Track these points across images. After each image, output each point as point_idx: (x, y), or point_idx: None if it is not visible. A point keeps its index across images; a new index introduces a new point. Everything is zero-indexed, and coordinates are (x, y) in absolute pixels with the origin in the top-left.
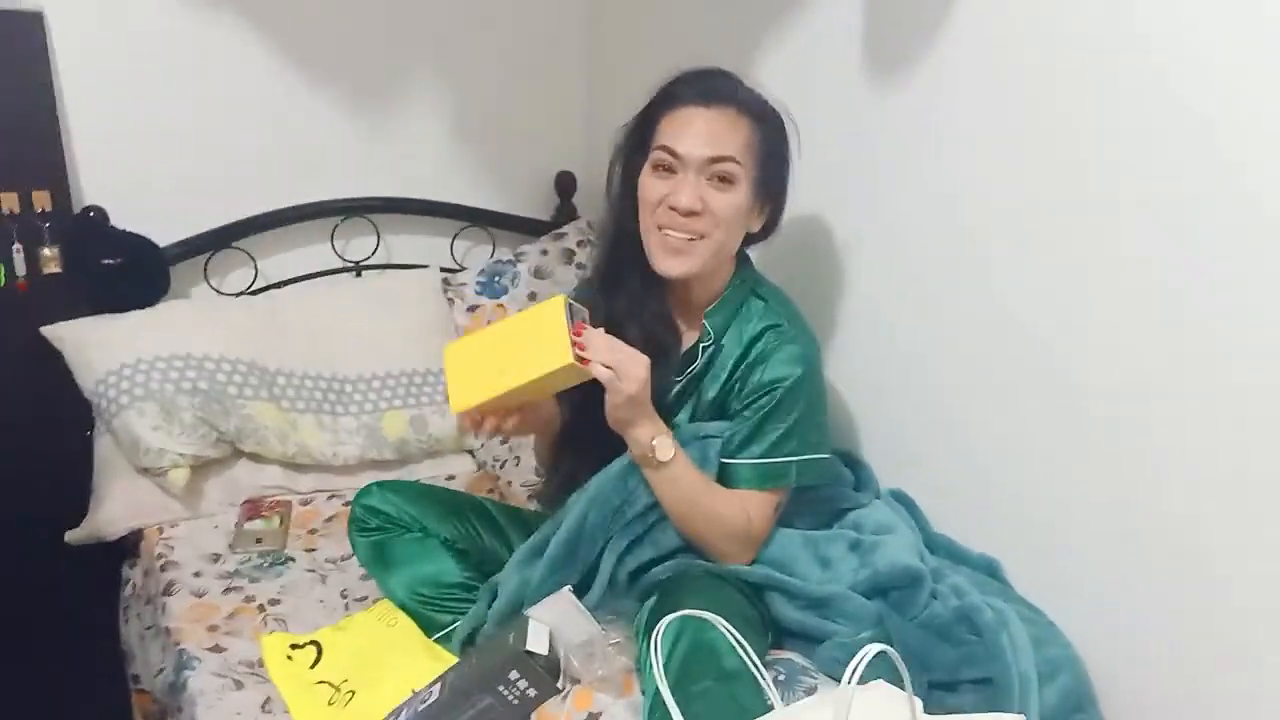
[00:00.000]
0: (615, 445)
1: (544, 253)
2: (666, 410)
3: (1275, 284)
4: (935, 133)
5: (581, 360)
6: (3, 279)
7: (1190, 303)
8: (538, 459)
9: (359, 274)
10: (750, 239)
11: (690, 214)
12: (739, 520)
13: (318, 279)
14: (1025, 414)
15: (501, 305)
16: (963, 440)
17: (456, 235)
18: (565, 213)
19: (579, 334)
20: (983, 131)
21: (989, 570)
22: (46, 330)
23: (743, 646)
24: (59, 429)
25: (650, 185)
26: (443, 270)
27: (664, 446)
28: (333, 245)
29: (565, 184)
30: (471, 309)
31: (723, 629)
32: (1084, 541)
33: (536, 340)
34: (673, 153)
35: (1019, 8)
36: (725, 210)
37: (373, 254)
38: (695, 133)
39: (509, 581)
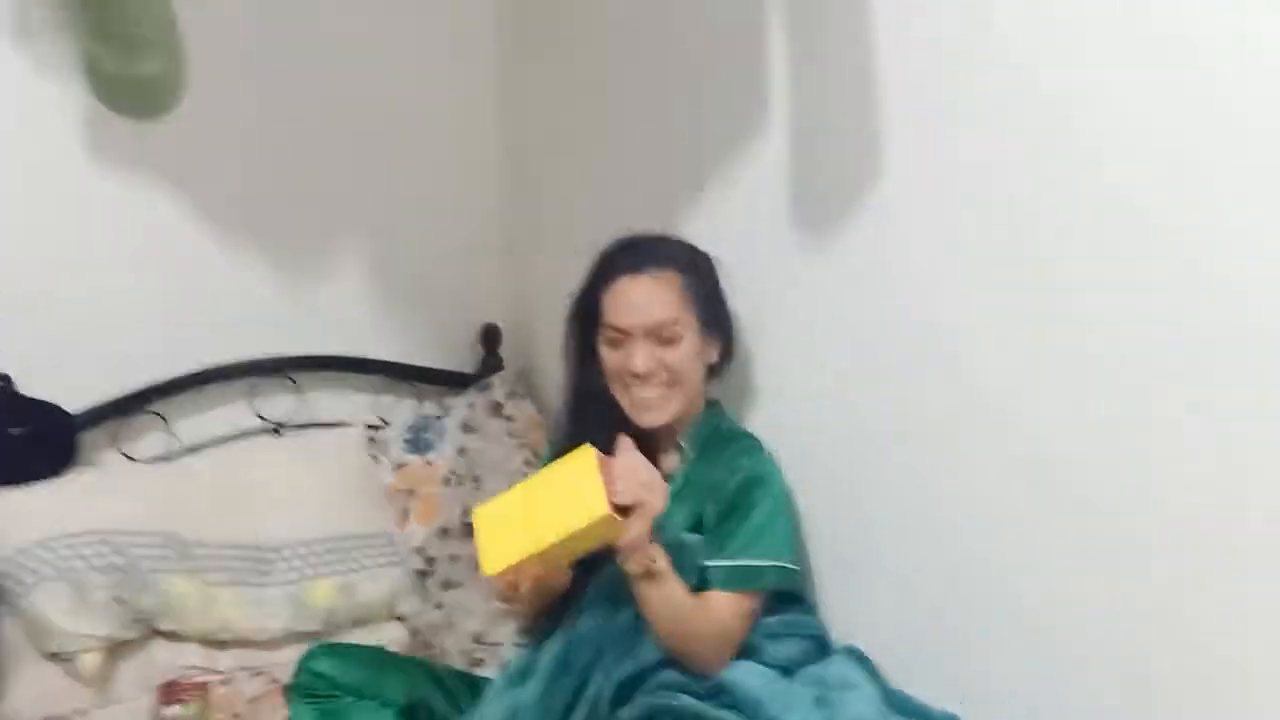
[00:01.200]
0: (594, 564)
1: (470, 406)
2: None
3: None
4: (878, 274)
5: (620, 510)
6: None
7: (1193, 431)
8: (524, 610)
9: (279, 434)
10: (714, 369)
11: (647, 375)
12: (719, 626)
13: (237, 441)
14: (988, 560)
15: (430, 462)
16: (919, 589)
17: (379, 392)
18: (490, 365)
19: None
20: (929, 267)
21: None
22: None
23: None
24: None
25: (609, 357)
26: (367, 427)
27: (662, 556)
28: (251, 405)
29: (490, 336)
30: (399, 466)
31: None
32: (1051, 692)
33: (569, 494)
34: (617, 328)
35: (955, 141)
36: (680, 362)
37: (293, 414)
38: (631, 304)
39: (495, 708)
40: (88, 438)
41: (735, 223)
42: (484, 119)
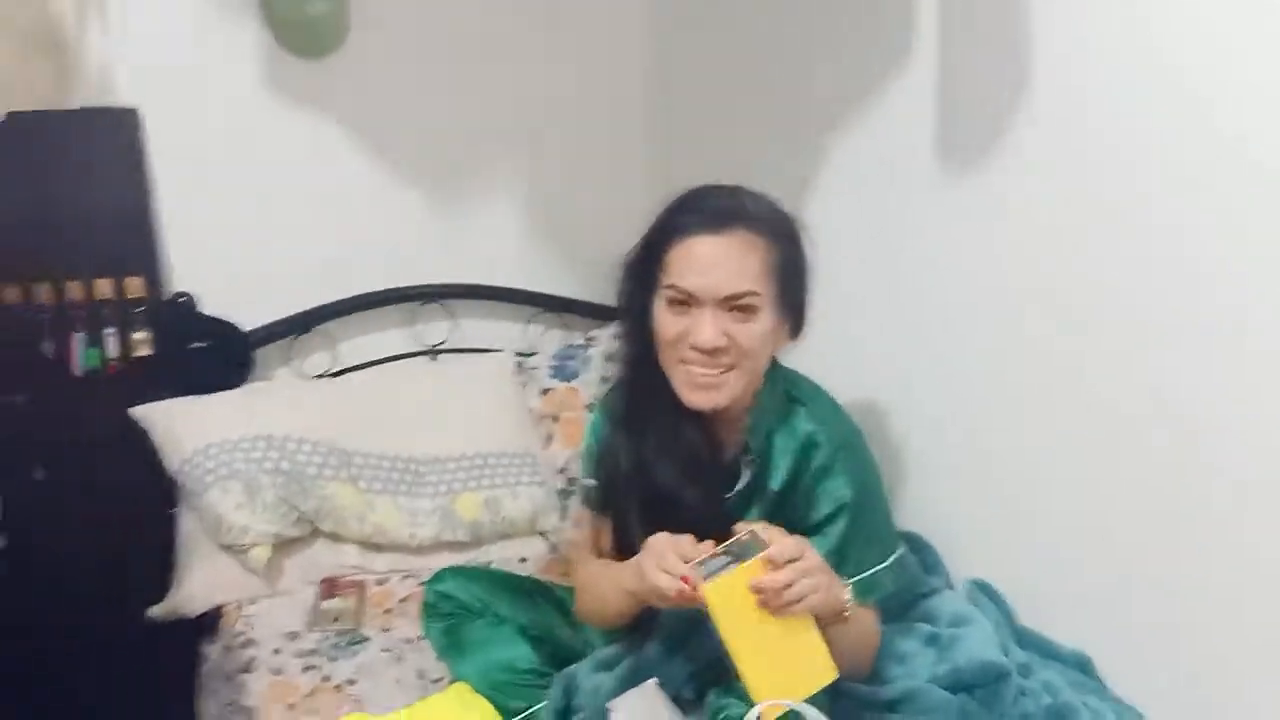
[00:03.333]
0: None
1: (616, 337)
2: (727, 523)
3: None
4: (1007, 219)
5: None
6: (97, 361)
7: None
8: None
9: (434, 358)
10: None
11: (714, 351)
12: (874, 638)
13: (395, 362)
14: (1117, 498)
15: (574, 389)
16: (1050, 528)
17: (530, 320)
18: None
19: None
20: (1054, 220)
21: (1081, 667)
22: (135, 411)
23: None
24: (145, 508)
25: (667, 321)
26: (516, 355)
27: (847, 594)
28: (410, 329)
29: None
30: (544, 391)
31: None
32: (1185, 637)
33: (790, 656)
34: (685, 290)
35: (1096, 89)
36: (751, 340)
37: (448, 339)
38: (707, 267)
39: (585, 682)
40: (261, 354)
41: (877, 154)
42: (631, 60)
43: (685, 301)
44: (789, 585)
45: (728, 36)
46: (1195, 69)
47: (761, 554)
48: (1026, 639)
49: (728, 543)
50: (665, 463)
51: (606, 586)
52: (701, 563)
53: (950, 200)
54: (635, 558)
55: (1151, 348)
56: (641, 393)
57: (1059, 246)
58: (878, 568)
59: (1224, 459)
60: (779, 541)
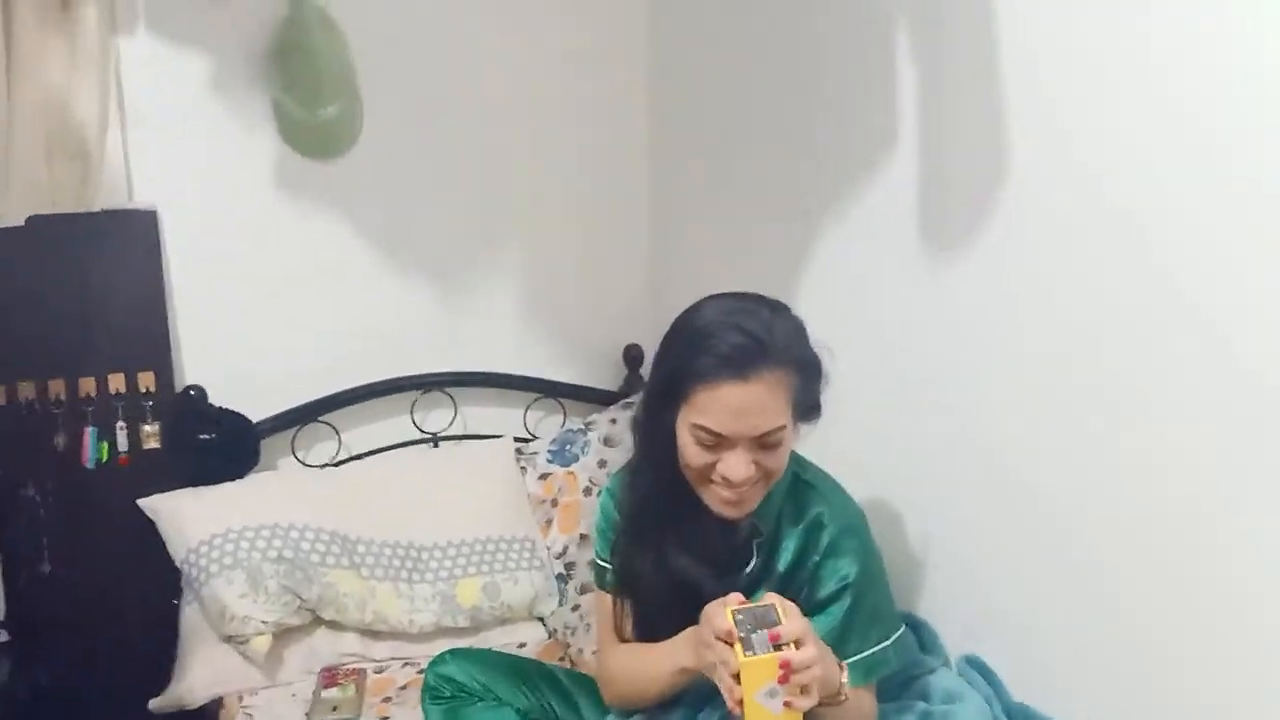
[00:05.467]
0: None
1: (613, 421)
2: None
3: None
4: (999, 304)
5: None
6: (105, 455)
7: None
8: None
9: (436, 444)
10: None
11: (745, 483)
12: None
13: (398, 450)
14: (1118, 576)
15: (572, 473)
16: (1044, 597)
17: (529, 406)
18: (632, 383)
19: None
20: (1055, 273)
21: None
22: (143, 502)
23: None
24: (149, 597)
25: (694, 454)
26: (516, 440)
27: (844, 675)
28: (412, 418)
29: (633, 356)
30: (543, 476)
31: None
32: (1185, 710)
33: None
34: (716, 434)
35: (1078, 172)
36: (777, 463)
37: (449, 425)
38: (737, 414)
39: None
40: (266, 444)
41: (867, 236)
42: (630, 151)
43: (713, 441)
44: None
45: (724, 126)
46: (1171, 146)
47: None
48: (1017, 713)
49: (752, 606)
50: (687, 558)
51: (652, 669)
52: (739, 620)
53: (938, 283)
54: (688, 632)
55: (1154, 423)
56: (662, 495)
57: (1048, 324)
58: (880, 646)
59: (1229, 541)
60: (790, 618)
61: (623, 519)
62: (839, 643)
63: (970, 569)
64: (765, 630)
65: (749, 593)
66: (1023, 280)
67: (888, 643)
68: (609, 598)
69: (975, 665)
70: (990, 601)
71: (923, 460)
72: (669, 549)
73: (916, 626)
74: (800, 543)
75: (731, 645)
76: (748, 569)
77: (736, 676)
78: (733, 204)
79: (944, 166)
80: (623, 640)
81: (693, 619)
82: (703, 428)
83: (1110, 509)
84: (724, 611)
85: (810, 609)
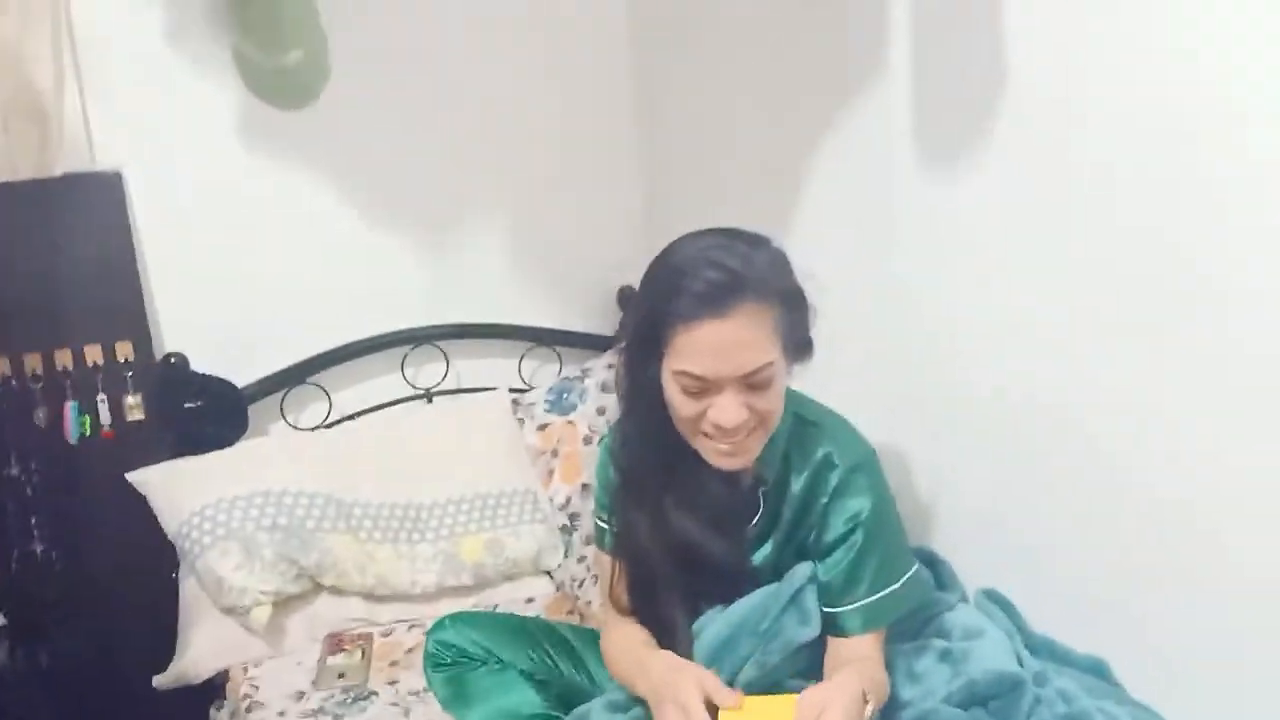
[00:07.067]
0: (717, 589)
1: (609, 367)
2: (742, 554)
3: None
4: (987, 223)
5: None
6: (89, 429)
7: None
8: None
9: (430, 400)
10: None
11: (738, 428)
12: (881, 670)
13: (390, 408)
14: (1126, 498)
15: (571, 422)
16: (1060, 531)
17: (523, 356)
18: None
19: None
20: (1030, 227)
21: (1097, 672)
22: (131, 476)
23: None
24: (145, 574)
25: (681, 403)
26: (511, 391)
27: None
28: (403, 374)
29: (627, 298)
30: (541, 427)
31: None
32: (1201, 636)
33: None
34: (700, 377)
35: (1078, 96)
36: (771, 404)
37: (442, 380)
38: (718, 352)
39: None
40: (255, 409)
41: (862, 157)
42: (618, 88)
43: (698, 388)
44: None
45: (711, 49)
46: (1178, 71)
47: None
48: (1040, 646)
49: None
50: (688, 517)
51: (631, 670)
52: None
53: (932, 201)
54: (661, 677)
55: (1165, 342)
56: (655, 453)
57: (1052, 243)
58: (893, 587)
59: (1229, 461)
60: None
61: (618, 478)
62: (849, 584)
63: (985, 502)
64: None
65: (757, 542)
66: (1025, 197)
67: (899, 583)
68: (608, 559)
69: (994, 599)
70: (1006, 534)
71: (930, 391)
72: (667, 509)
73: (933, 563)
74: (807, 486)
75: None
76: (754, 522)
77: None
78: (724, 134)
79: (940, 80)
80: (619, 608)
81: (694, 583)
82: (686, 373)
83: (1126, 433)
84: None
85: (818, 552)
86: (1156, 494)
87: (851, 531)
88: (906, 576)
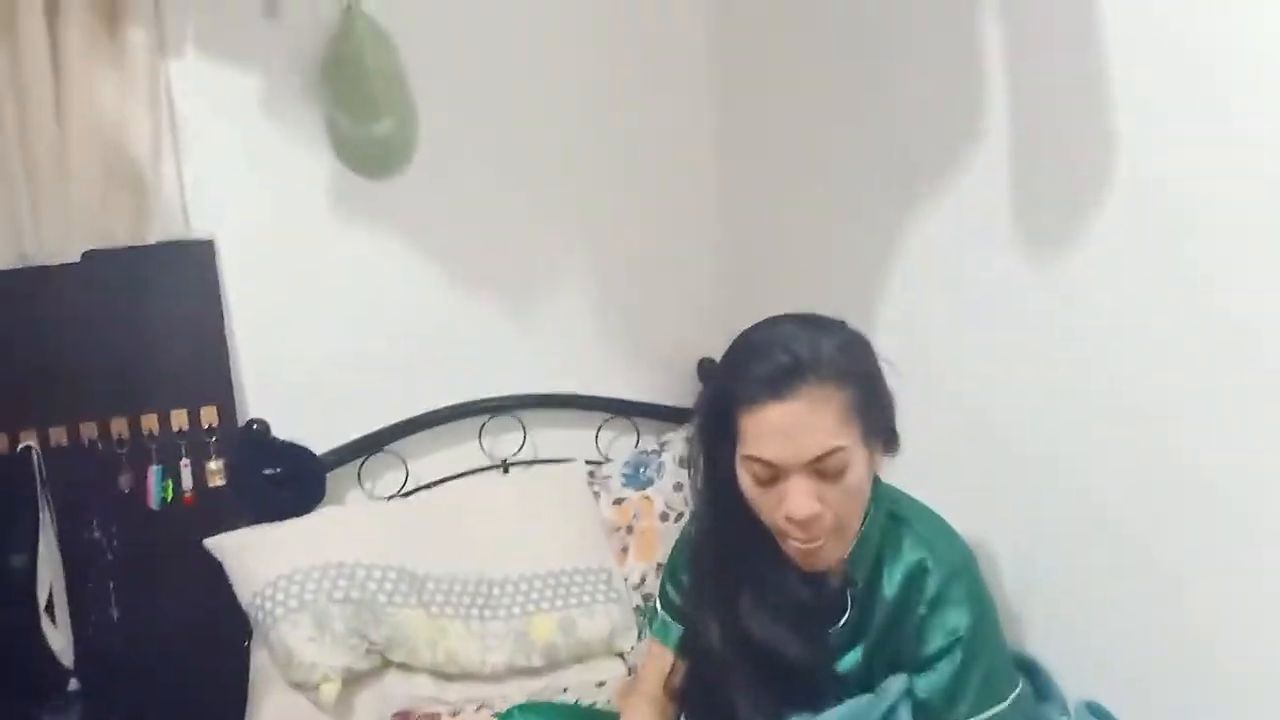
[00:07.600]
0: (800, 694)
1: (688, 440)
2: (824, 658)
3: None
4: (1089, 310)
5: None
6: (170, 494)
7: None
8: None
9: (506, 470)
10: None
11: (809, 520)
12: None
13: (466, 478)
14: (1223, 601)
15: (648, 497)
16: (1166, 637)
17: (600, 427)
18: None
19: None
20: (1137, 315)
21: None
22: (209, 542)
23: None
24: (218, 642)
25: (755, 494)
26: (588, 462)
27: None
28: (480, 443)
29: (707, 370)
30: (617, 501)
31: None
32: None
33: None
34: (768, 461)
35: (1181, 187)
36: (845, 498)
37: (519, 450)
38: (783, 436)
39: None
40: (334, 476)
41: (953, 231)
42: (701, 159)
43: (768, 474)
44: None
45: (796, 122)
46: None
47: None
48: None
49: None
50: (766, 615)
51: None
52: None
53: (1028, 282)
54: None
55: (1252, 436)
56: (731, 544)
57: (1142, 328)
58: (998, 708)
59: None
60: None
61: (690, 575)
62: (949, 704)
63: (1082, 605)
64: None
65: (845, 648)
66: (1116, 280)
67: (1006, 703)
68: (660, 648)
69: (1096, 713)
70: (1107, 640)
71: (1022, 483)
72: (743, 604)
73: (1030, 669)
74: (901, 591)
75: None
76: (840, 623)
77: None
78: (807, 206)
79: (1037, 164)
80: (668, 696)
81: (773, 685)
82: (753, 457)
83: (1235, 530)
84: None
85: (915, 666)
86: (1259, 610)
87: (952, 646)
88: (1013, 696)
